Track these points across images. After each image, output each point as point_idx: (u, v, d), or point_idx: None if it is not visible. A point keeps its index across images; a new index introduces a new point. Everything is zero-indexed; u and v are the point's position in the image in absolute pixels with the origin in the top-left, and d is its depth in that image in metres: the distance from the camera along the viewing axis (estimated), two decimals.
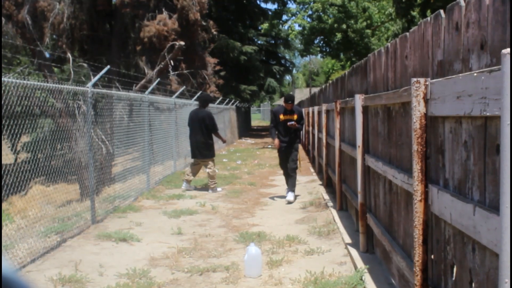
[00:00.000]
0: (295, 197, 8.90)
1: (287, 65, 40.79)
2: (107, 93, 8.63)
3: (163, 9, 15.01)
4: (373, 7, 26.84)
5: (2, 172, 6.09)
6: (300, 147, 9.97)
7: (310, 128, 14.57)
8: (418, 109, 2.78)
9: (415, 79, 2.78)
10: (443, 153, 2.67)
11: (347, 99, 6.56)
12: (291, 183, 8.84)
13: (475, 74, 2.09)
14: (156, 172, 11.14)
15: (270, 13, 33.01)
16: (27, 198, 7.44)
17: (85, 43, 15.10)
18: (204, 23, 16.96)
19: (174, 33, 14.52)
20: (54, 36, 14.19)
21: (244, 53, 28.93)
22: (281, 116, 8.68)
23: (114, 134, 9.43)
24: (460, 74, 2.32)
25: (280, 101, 66.69)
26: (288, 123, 8.61)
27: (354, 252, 5.19)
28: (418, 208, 2.82)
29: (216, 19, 22.79)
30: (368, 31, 26.81)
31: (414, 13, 21.26)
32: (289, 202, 8.64)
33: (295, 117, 8.68)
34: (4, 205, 7.42)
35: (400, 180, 3.52)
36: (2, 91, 5.66)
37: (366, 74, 5.23)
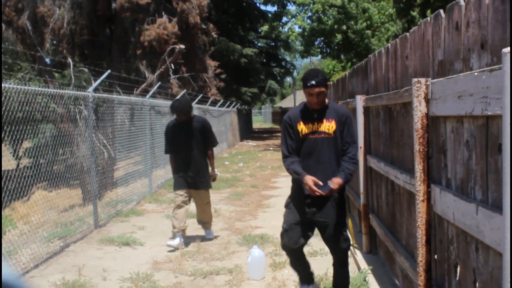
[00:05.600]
0: None
1: (288, 66, 40.81)
2: (108, 97, 8.64)
3: (163, 13, 15.02)
4: (373, 8, 26.82)
5: (5, 178, 6.10)
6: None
7: None
8: (419, 109, 2.78)
9: (416, 79, 2.78)
10: (445, 153, 2.67)
11: (348, 100, 6.55)
12: None
13: (476, 74, 2.09)
14: (158, 176, 11.15)
15: (270, 15, 33.04)
16: (30, 204, 7.45)
17: (86, 47, 15.12)
18: (204, 26, 16.96)
19: (174, 36, 14.53)
20: (55, 42, 14.21)
21: (244, 55, 28.96)
22: (300, 128, 3.93)
23: (116, 139, 9.43)
24: (461, 74, 2.32)
25: (282, 103, 65.21)
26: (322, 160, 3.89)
27: (357, 253, 5.18)
28: (421, 208, 2.81)
29: (216, 22, 22.80)
30: (368, 31, 26.79)
31: (414, 13, 21.25)
32: None
33: (331, 126, 3.89)
34: (7, 211, 7.44)
35: (402, 180, 3.52)
36: (3, 97, 5.67)
37: (367, 75, 5.23)
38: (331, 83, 9.33)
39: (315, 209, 3.89)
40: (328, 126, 3.89)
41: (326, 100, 3.94)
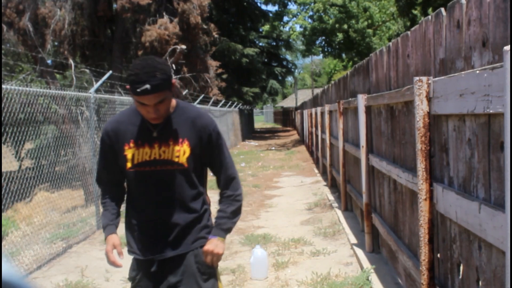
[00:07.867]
0: None
1: (289, 66, 40.84)
2: (110, 98, 8.65)
3: (164, 13, 15.03)
4: (374, 7, 26.82)
5: (7, 179, 6.11)
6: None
7: (314, 129, 14.57)
8: (421, 108, 2.77)
9: (417, 78, 2.78)
10: (447, 151, 2.66)
11: (350, 99, 6.55)
12: None
13: (477, 72, 2.08)
14: None
15: (270, 14, 33.07)
16: (32, 205, 7.46)
17: (87, 48, 15.14)
18: (205, 26, 16.98)
19: (175, 37, 14.54)
20: (56, 43, 14.23)
21: (245, 55, 28.99)
22: (129, 153, 2.30)
23: None
24: (463, 72, 2.32)
25: (284, 103, 65.15)
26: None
27: (360, 252, 5.18)
28: (423, 207, 2.81)
29: (217, 22, 22.83)
30: (370, 30, 26.78)
31: (415, 12, 21.25)
32: None
33: (182, 151, 2.28)
34: (9, 212, 7.45)
35: (404, 179, 3.51)
36: (5, 99, 5.68)
37: (368, 73, 5.23)
38: (333, 82, 9.26)
39: (173, 279, 2.39)
40: (178, 151, 2.29)
41: (173, 102, 2.33)
